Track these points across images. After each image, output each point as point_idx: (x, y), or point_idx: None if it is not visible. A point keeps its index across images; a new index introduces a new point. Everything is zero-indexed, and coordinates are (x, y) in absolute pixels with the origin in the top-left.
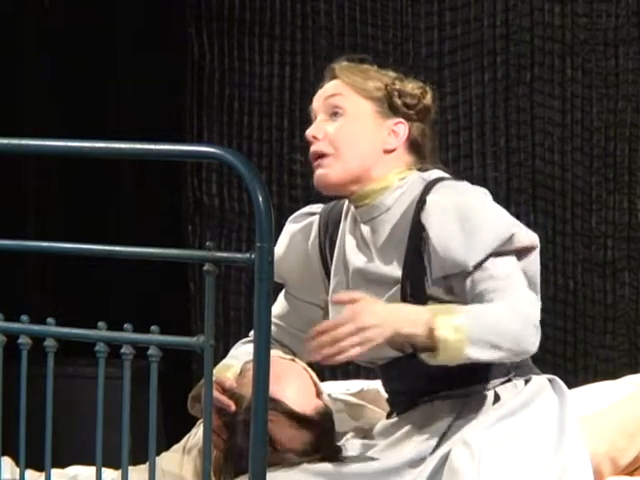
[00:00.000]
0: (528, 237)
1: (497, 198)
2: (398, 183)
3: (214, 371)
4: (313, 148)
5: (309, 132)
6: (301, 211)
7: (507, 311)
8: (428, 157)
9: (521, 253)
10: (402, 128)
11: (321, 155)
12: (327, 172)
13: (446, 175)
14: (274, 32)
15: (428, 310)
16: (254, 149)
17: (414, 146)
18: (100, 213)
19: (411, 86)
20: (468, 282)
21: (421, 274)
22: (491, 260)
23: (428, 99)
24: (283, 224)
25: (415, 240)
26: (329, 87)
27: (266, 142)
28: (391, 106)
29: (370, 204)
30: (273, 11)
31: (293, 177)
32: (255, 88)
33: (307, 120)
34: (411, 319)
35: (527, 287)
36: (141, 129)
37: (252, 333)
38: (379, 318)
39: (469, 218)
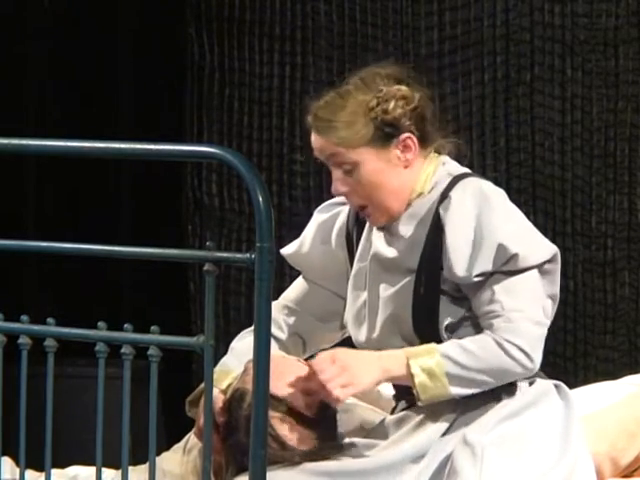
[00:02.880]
0: (541, 253)
1: None
2: (430, 186)
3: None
4: (350, 202)
5: (335, 191)
6: (330, 201)
7: (489, 349)
8: (435, 131)
9: (539, 267)
10: (409, 141)
11: (361, 206)
12: (376, 218)
13: (469, 171)
14: (274, 32)
15: (404, 352)
16: (254, 149)
17: (424, 140)
18: (100, 213)
19: (392, 104)
20: (474, 298)
21: (437, 267)
22: (496, 278)
23: (414, 100)
24: (283, 224)
25: (435, 233)
26: (323, 147)
27: (266, 142)
28: (386, 133)
29: (409, 210)
30: (273, 11)
31: (293, 177)
32: (255, 88)
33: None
34: (392, 359)
35: (534, 309)
36: (141, 129)
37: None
38: (360, 359)
39: (482, 231)
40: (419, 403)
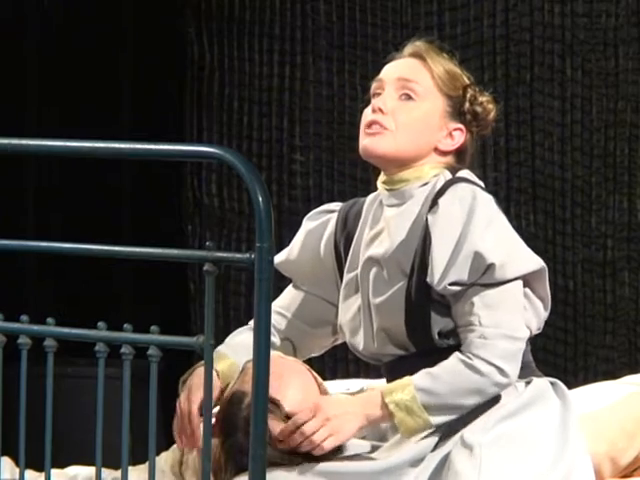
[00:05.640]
0: (520, 265)
1: (497, 198)
2: (430, 178)
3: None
4: (375, 117)
5: (376, 103)
6: (319, 209)
7: (459, 373)
8: (467, 163)
9: (524, 278)
10: (459, 135)
11: (381, 125)
12: (379, 142)
13: (469, 177)
14: (274, 32)
15: (380, 392)
16: (254, 149)
17: (461, 153)
18: (100, 213)
19: (485, 99)
20: (454, 308)
21: (425, 275)
22: (475, 290)
23: (493, 116)
24: (283, 224)
25: (425, 240)
26: (409, 68)
27: (266, 142)
28: (460, 110)
29: (400, 189)
30: (273, 11)
31: (293, 177)
32: (255, 88)
33: (307, 120)
34: (370, 403)
35: (511, 324)
36: (141, 129)
37: (251, 322)
38: (342, 407)
39: (463, 241)
40: (404, 436)
